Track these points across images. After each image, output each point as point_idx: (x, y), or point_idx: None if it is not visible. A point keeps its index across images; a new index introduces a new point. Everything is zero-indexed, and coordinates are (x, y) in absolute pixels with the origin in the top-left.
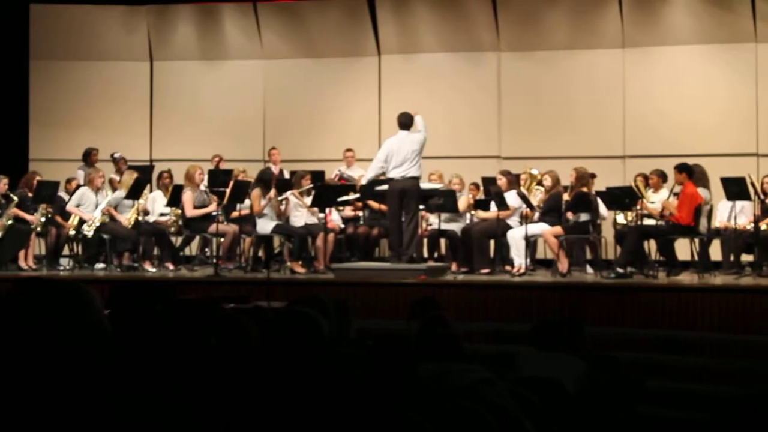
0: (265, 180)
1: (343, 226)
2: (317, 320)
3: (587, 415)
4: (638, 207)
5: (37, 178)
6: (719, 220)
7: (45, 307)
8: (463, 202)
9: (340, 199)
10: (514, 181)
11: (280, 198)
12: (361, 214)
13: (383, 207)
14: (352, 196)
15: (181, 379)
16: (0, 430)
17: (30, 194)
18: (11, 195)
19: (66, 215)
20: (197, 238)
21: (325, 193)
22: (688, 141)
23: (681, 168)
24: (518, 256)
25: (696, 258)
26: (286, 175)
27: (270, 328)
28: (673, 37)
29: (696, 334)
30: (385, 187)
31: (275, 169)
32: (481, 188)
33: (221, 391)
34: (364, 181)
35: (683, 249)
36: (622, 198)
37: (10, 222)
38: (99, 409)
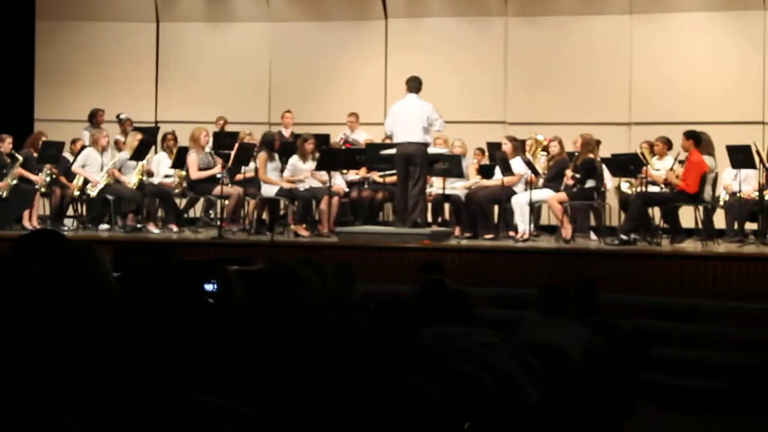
0: (269, 143)
1: (347, 189)
2: (306, 278)
3: (590, 381)
4: (643, 174)
5: (43, 138)
6: (724, 184)
7: (57, 262)
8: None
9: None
10: (519, 147)
11: (288, 176)
12: (367, 176)
13: (386, 180)
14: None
15: (180, 338)
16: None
17: (35, 154)
18: (16, 155)
19: (70, 176)
20: (201, 199)
21: (330, 156)
22: (694, 109)
23: (689, 135)
24: (522, 222)
25: (700, 226)
26: None
27: (254, 285)
28: (680, 3)
29: (699, 301)
30: (390, 151)
31: (286, 133)
32: (487, 153)
33: (218, 348)
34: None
35: (687, 216)
36: (627, 165)
37: (14, 182)
38: (105, 365)
